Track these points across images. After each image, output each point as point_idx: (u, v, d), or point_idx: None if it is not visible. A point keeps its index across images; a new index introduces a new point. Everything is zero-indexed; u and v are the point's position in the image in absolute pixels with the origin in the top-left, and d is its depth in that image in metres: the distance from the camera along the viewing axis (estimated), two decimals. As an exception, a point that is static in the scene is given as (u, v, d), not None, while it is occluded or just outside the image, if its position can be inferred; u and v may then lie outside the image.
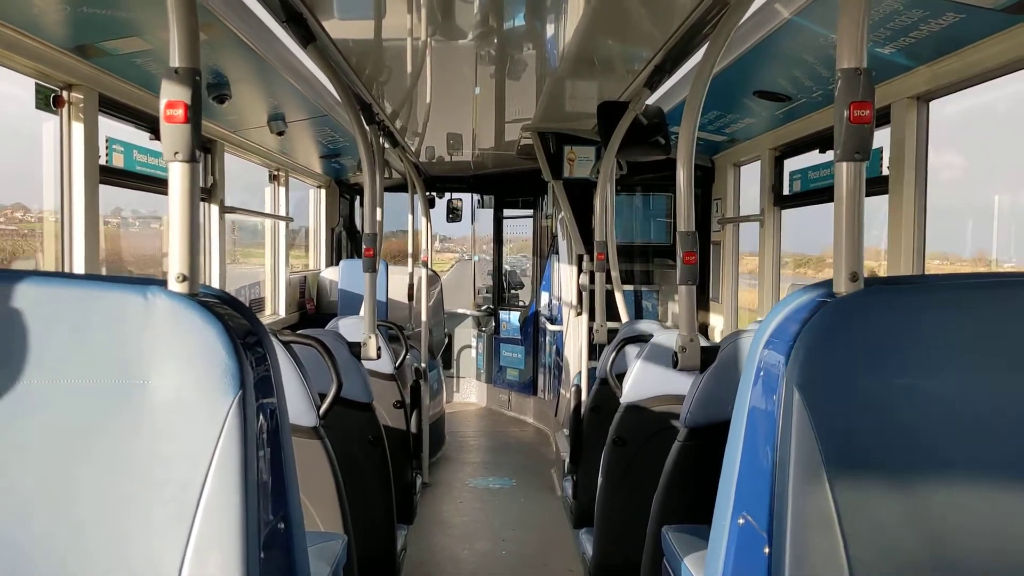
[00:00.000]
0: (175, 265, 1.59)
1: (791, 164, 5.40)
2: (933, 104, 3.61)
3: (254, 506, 1.47)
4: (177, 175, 1.61)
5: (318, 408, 3.02)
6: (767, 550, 1.54)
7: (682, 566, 2.54)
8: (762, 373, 1.66)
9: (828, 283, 1.67)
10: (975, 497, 1.56)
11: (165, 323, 1.47)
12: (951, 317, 1.60)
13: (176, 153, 1.60)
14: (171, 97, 1.59)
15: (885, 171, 3.83)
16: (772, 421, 1.57)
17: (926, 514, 1.54)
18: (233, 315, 1.59)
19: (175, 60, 1.61)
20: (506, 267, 10.60)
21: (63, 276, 1.53)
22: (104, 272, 3.86)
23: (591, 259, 5.63)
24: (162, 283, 1.55)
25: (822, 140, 4.79)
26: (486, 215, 10.72)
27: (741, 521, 1.69)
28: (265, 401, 1.59)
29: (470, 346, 10.82)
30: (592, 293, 5.72)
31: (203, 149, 5.32)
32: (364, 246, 4.10)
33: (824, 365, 1.54)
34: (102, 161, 3.77)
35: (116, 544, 1.44)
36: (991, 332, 1.60)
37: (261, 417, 1.55)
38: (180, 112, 1.59)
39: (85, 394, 1.46)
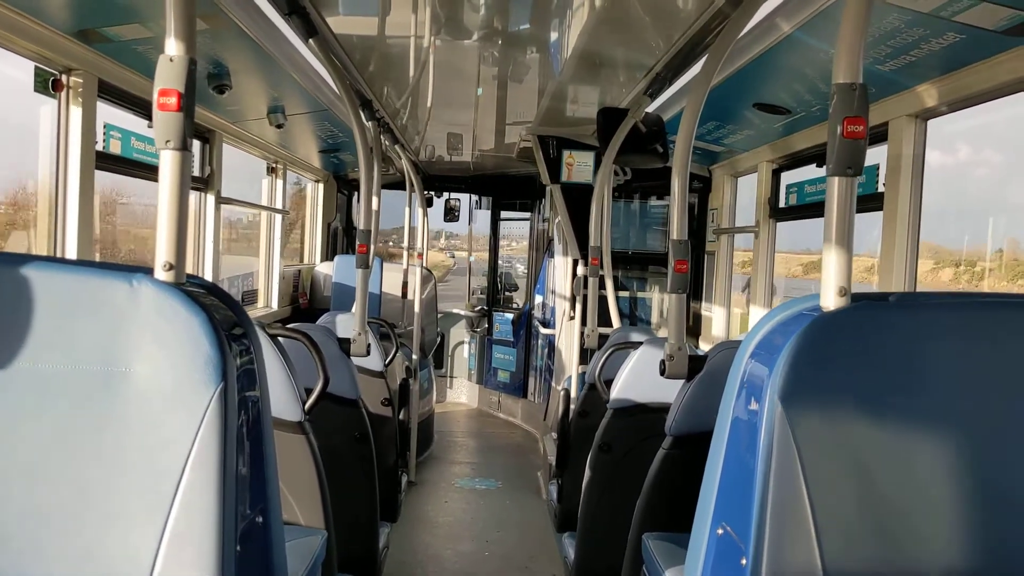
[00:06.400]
0: (162, 253, 1.59)
1: (788, 177, 5.41)
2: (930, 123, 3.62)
3: (231, 499, 1.47)
4: (168, 163, 1.61)
5: (303, 403, 3.01)
6: (744, 561, 1.54)
7: (661, 574, 2.53)
8: (746, 384, 1.66)
9: (816, 297, 1.67)
10: (957, 515, 1.56)
11: (149, 311, 1.47)
12: (937, 336, 1.60)
13: (168, 141, 1.60)
14: (164, 85, 1.59)
15: (881, 188, 3.83)
16: (754, 432, 1.57)
17: (906, 531, 1.54)
18: (219, 306, 1.59)
19: (170, 48, 1.61)
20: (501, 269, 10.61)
21: (49, 260, 1.52)
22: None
23: (586, 264, 5.64)
24: (149, 271, 1.55)
25: (820, 155, 4.80)
26: (483, 216, 10.72)
27: (720, 531, 1.69)
28: (247, 394, 1.58)
29: (463, 344, 10.81)
30: (585, 298, 5.72)
31: (201, 139, 5.31)
32: (358, 242, 4.09)
33: (808, 379, 1.54)
34: (99, 147, 3.76)
35: (91, 531, 1.43)
36: (976, 351, 1.60)
37: (243, 410, 1.54)
38: (173, 100, 1.59)
39: (66, 379, 1.46)
